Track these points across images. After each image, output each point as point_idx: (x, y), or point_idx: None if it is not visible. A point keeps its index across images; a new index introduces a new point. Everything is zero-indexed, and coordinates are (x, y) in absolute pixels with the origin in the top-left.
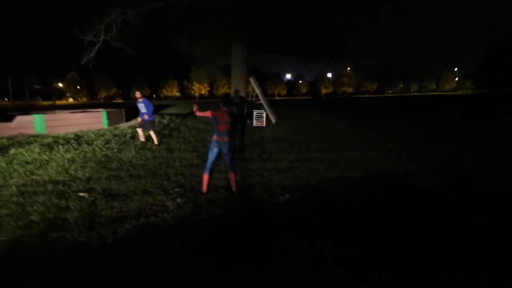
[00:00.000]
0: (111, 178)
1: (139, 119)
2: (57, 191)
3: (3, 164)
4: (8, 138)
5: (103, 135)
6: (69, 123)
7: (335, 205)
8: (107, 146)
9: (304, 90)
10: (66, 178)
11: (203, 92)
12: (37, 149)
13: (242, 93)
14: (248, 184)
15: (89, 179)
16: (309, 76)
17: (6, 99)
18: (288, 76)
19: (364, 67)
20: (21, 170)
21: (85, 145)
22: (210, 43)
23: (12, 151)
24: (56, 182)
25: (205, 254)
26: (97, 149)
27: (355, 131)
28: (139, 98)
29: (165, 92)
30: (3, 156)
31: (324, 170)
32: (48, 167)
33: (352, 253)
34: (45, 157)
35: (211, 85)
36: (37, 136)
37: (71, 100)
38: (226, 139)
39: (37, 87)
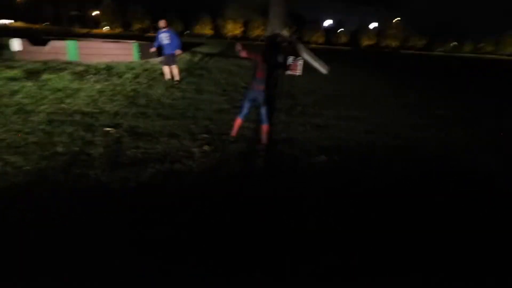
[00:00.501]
0: (139, 115)
1: (152, 49)
2: (84, 123)
3: (36, 89)
4: (43, 62)
5: (133, 69)
6: (101, 52)
7: (378, 180)
8: (136, 80)
9: (343, 40)
10: (94, 110)
11: (236, 32)
12: (68, 77)
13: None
14: (280, 139)
15: (116, 113)
16: (351, 25)
17: (47, 23)
18: (328, 22)
19: (413, 21)
20: (51, 97)
21: (115, 78)
22: None
23: (45, 76)
24: (84, 113)
25: (229, 213)
26: (127, 82)
27: (399, 92)
28: (164, 27)
29: (198, 29)
30: (36, 81)
31: (364, 132)
32: (77, 97)
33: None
34: (76, 85)
35: (245, 25)
36: (69, 62)
37: (107, 29)
38: (263, 86)
39: (74, 13)
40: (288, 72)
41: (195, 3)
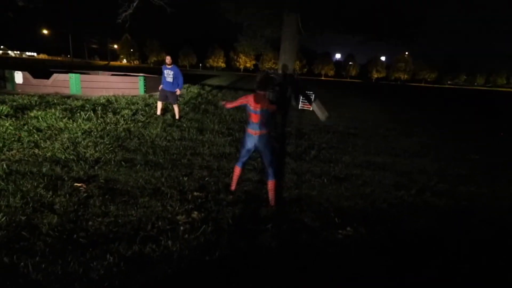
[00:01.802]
0: (123, 163)
1: (159, 87)
2: (51, 176)
3: (12, 129)
4: (40, 96)
5: (134, 104)
6: (105, 86)
7: (427, 263)
8: (134, 117)
9: (353, 73)
10: (71, 156)
11: (248, 65)
12: (57, 114)
13: (290, 70)
14: (291, 197)
15: (97, 161)
16: (360, 58)
17: (68, 56)
18: (338, 56)
19: (423, 54)
20: (26, 140)
21: (110, 114)
22: (259, 11)
23: (32, 113)
24: (57, 162)
25: None
26: (121, 120)
27: (420, 130)
28: (169, 64)
29: (211, 62)
30: (18, 118)
31: (393, 186)
32: (57, 139)
33: None
34: (61, 124)
35: (257, 58)
36: (68, 97)
37: (124, 61)
38: (260, 132)
39: (94, 46)
40: (301, 106)
41: (209, 37)
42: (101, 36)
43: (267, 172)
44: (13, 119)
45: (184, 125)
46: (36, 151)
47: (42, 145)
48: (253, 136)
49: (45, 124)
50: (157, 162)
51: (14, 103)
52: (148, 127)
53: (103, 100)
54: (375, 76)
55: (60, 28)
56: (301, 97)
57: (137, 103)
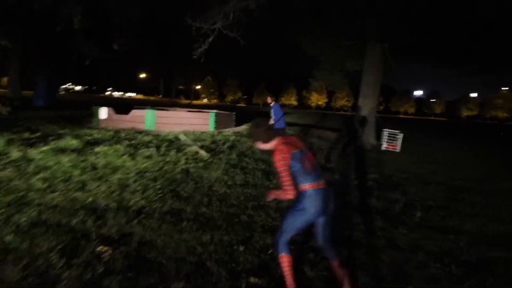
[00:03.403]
0: (168, 217)
1: (271, 121)
2: (77, 231)
3: (68, 166)
4: (116, 131)
5: (201, 140)
6: (177, 122)
7: None
8: (196, 156)
9: (438, 110)
10: (112, 204)
11: (320, 103)
12: (121, 150)
13: (372, 106)
14: None
15: (139, 211)
16: (445, 95)
17: (160, 96)
18: (419, 92)
19: None
20: (76, 179)
21: (173, 152)
22: (339, 42)
23: (99, 148)
24: (93, 211)
25: None
26: (183, 159)
27: None
28: (270, 102)
29: (283, 100)
30: (82, 154)
31: None
32: (107, 180)
33: None
34: (120, 162)
35: (329, 96)
36: (140, 132)
37: (205, 100)
38: (325, 181)
39: (180, 87)
40: (385, 147)
41: (284, 75)
42: (187, 78)
43: (329, 250)
44: (76, 154)
45: (250, 166)
46: (79, 194)
47: (89, 186)
48: (324, 191)
49: (103, 161)
50: (210, 217)
51: (89, 137)
52: (209, 167)
53: (172, 136)
54: (466, 114)
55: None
56: (386, 137)
57: (205, 140)
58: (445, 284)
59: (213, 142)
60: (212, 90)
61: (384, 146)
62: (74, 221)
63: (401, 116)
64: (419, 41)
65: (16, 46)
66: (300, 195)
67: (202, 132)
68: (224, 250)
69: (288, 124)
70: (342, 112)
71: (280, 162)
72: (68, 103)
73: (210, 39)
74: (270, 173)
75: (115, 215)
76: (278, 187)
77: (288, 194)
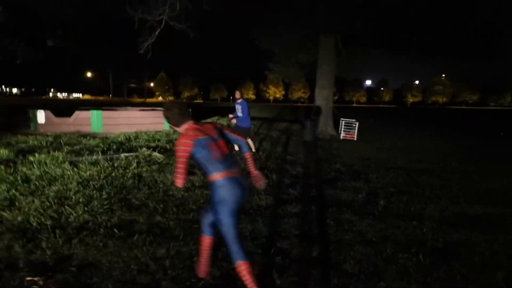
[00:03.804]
0: (116, 231)
1: (233, 121)
2: (0, 261)
3: None
4: (56, 136)
5: (155, 141)
6: (128, 122)
7: None
8: (149, 158)
9: (387, 98)
10: (47, 222)
11: (277, 96)
12: (60, 158)
13: (328, 96)
14: None
15: (81, 227)
16: (393, 83)
17: (110, 95)
18: (368, 82)
19: (461, 74)
20: (1, 196)
21: (123, 155)
22: (291, 34)
23: (34, 157)
24: (23, 233)
25: None
26: (133, 163)
27: (503, 161)
28: (238, 99)
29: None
30: (10, 165)
31: None
32: (44, 193)
33: None
34: (58, 171)
35: (286, 89)
36: (87, 136)
37: (160, 98)
38: (238, 169)
39: (132, 85)
40: (343, 136)
41: (239, 71)
42: (139, 76)
43: (234, 253)
44: (4, 166)
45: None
46: (5, 214)
47: (19, 203)
48: (236, 180)
49: (37, 172)
50: (166, 227)
51: (23, 145)
52: (165, 170)
53: (122, 138)
54: (411, 100)
55: (101, 71)
56: (343, 126)
57: (159, 140)
58: (416, 276)
59: (169, 141)
60: (167, 87)
61: (342, 135)
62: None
63: (354, 105)
64: (367, 31)
65: None
66: (212, 187)
67: (156, 132)
68: (182, 264)
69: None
70: (299, 104)
71: (179, 147)
72: (2, 108)
73: (157, 32)
74: None
75: (49, 235)
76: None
77: (177, 180)
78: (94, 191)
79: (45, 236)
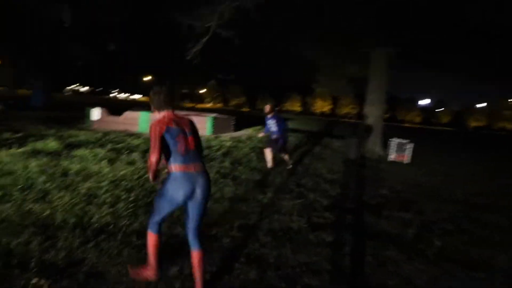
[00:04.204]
0: (132, 238)
1: (261, 134)
2: (11, 255)
3: (35, 172)
4: (106, 133)
5: None
6: None
7: None
8: None
9: (444, 120)
10: (72, 219)
11: (324, 110)
12: (101, 154)
13: (378, 113)
14: None
15: (101, 230)
16: (453, 104)
17: None
18: (426, 101)
19: None
20: (38, 187)
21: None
22: (339, 47)
23: (79, 151)
24: (45, 229)
25: None
26: None
27: None
28: (268, 113)
29: (287, 106)
30: (55, 158)
31: None
32: (77, 189)
33: None
34: (96, 168)
35: (334, 103)
36: (131, 134)
37: (209, 104)
38: (202, 166)
39: (184, 91)
40: (391, 158)
41: (287, 83)
42: (192, 82)
43: (192, 236)
44: (50, 157)
45: (243, 176)
46: (36, 206)
47: (51, 196)
48: (191, 175)
49: (77, 167)
50: (184, 240)
51: (73, 139)
52: None
53: None
54: (473, 124)
55: (158, 75)
56: (394, 146)
57: None
58: None
59: (207, 147)
60: (217, 94)
61: (392, 156)
62: (16, 242)
63: (407, 125)
64: (424, 46)
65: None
66: (168, 175)
67: None
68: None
69: (292, 130)
70: (347, 120)
71: (152, 128)
72: (67, 104)
73: (205, 40)
74: (264, 185)
75: (68, 235)
76: (270, 201)
77: (152, 156)
78: (123, 192)
79: (64, 235)
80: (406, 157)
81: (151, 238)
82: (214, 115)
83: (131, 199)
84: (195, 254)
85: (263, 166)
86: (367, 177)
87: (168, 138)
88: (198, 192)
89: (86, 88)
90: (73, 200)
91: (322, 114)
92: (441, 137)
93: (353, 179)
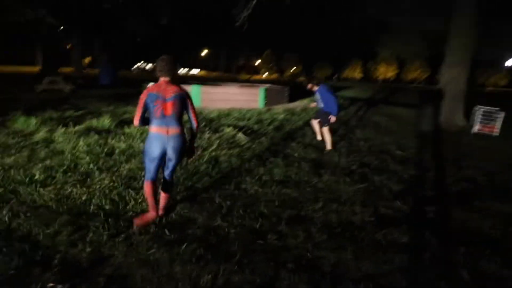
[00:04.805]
0: (165, 233)
1: (313, 104)
2: (36, 249)
3: (81, 150)
4: None
5: (245, 119)
6: (224, 98)
7: None
8: (233, 139)
9: None
10: (105, 206)
11: (389, 75)
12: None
13: (461, 77)
14: None
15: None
16: None
17: (222, 72)
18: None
19: None
20: (81, 168)
21: (208, 133)
22: None
23: (127, 129)
24: (78, 216)
25: None
26: (215, 143)
27: None
28: (311, 88)
29: (347, 74)
30: (104, 135)
31: None
32: (117, 171)
33: None
34: (141, 146)
35: (400, 66)
36: None
37: (265, 75)
38: (176, 130)
39: (240, 63)
40: (478, 129)
41: (347, 49)
42: (248, 54)
43: (163, 182)
44: (100, 136)
45: (296, 154)
46: (75, 190)
47: (92, 178)
48: (162, 137)
49: (124, 145)
50: (223, 236)
51: (127, 116)
52: (246, 154)
53: (214, 115)
54: None
55: (215, 49)
56: (480, 116)
57: (249, 119)
58: None
59: (258, 121)
60: (271, 65)
61: (477, 127)
62: (45, 233)
63: (490, 88)
64: None
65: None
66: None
67: (249, 110)
68: None
69: (351, 99)
70: (415, 86)
71: (141, 95)
72: (132, 81)
73: (253, 3)
74: (320, 165)
75: (99, 226)
76: (328, 185)
77: (134, 120)
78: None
79: (95, 225)
80: (496, 129)
81: (147, 186)
82: (266, 86)
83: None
84: (163, 195)
85: (319, 142)
86: (448, 154)
87: (148, 102)
88: (170, 152)
89: (150, 65)
90: (113, 183)
91: (386, 80)
92: None
93: (430, 157)
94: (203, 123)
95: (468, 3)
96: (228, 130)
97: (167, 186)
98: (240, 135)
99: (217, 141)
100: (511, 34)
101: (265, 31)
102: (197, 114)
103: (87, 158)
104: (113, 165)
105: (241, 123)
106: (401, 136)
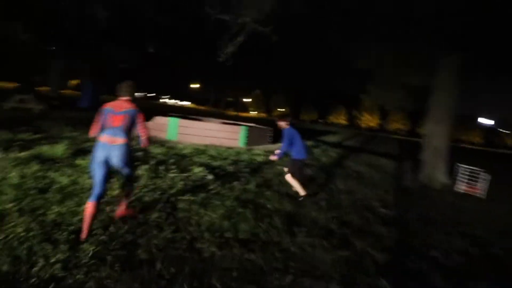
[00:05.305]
0: None
1: (272, 157)
2: None
3: (8, 182)
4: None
5: (221, 159)
6: (202, 134)
7: None
8: (202, 181)
9: (509, 142)
10: (5, 264)
11: (371, 124)
12: None
13: (444, 134)
14: None
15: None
16: None
17: (210, 106)
18: (488, 121)
19: None
20: (2, 205)
21: (174, 173)
22: (399, 50)
23: (82, 160)
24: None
25: None
26: (178, 184)
27: None
28: (281, 126)
29: (332, 119)
30: (51, 166)
31: None
32: (44, 214)
33: None
34: (87, 184)
35: (382, 117)
36: (157, 142)
37: (253, 113)
38: (120, 140)
39: (230, 99)
40: (460, 189)
41: (331, 95)
42: (238, 91)
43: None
44: (43, 166)
45: (269, 205)
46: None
47: (6, 222)
48: (108, 145)
49: (66, 181)
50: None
51: (88, 144)
52: (211, 202)
53: (188, 150)
54: None
55: (207, 84)
56: (464, 175)
57: (225, 159)
58: None
59: (234, 162)
60: (260, 103)
61: (462, 187)
62: None
63: (465, 145)
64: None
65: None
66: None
67: (228, 148)
68: None
69: (333, 145)
70: (396, 136)
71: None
72: None
73: (239, 38)
74: (295, 221)
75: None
76: (302, 249)
77: (90, 131)
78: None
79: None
80: (480, 190)
81: (89, 207)
82: (248, 124)
83: (111, 230)
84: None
85: (297, 192)
86: (435, 216)
87: (103, 115)
88: (115, 161)
89: (138, 93)
90: (26, 233)
91: (369, 129)
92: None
93: (416, 218)
94: (172, 160)
95: (451, 62)
96: (197, 170)
97: (127, 181)
98: (209, 177)
99: (181, 183)
100: (485, 89)
101: (254, 70)
102: (147, 129)
103: (12, 194)
104: (40, 207)
105: (215, 163)
106: (384, 190)
